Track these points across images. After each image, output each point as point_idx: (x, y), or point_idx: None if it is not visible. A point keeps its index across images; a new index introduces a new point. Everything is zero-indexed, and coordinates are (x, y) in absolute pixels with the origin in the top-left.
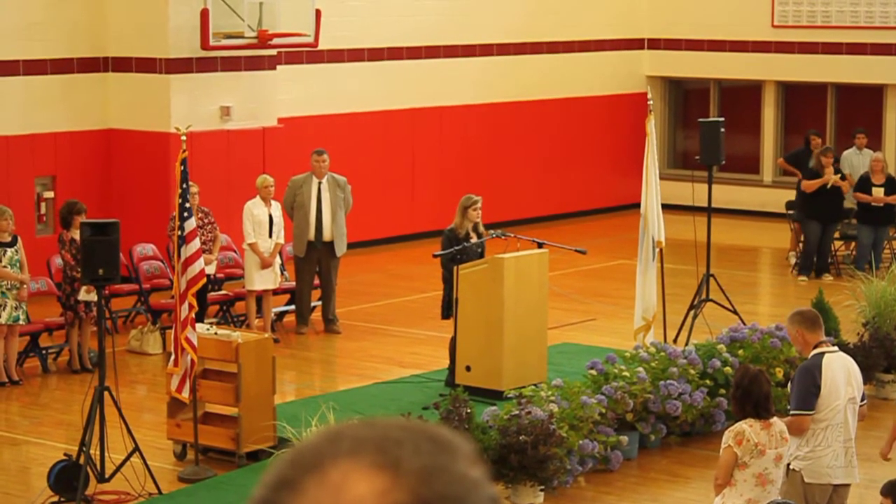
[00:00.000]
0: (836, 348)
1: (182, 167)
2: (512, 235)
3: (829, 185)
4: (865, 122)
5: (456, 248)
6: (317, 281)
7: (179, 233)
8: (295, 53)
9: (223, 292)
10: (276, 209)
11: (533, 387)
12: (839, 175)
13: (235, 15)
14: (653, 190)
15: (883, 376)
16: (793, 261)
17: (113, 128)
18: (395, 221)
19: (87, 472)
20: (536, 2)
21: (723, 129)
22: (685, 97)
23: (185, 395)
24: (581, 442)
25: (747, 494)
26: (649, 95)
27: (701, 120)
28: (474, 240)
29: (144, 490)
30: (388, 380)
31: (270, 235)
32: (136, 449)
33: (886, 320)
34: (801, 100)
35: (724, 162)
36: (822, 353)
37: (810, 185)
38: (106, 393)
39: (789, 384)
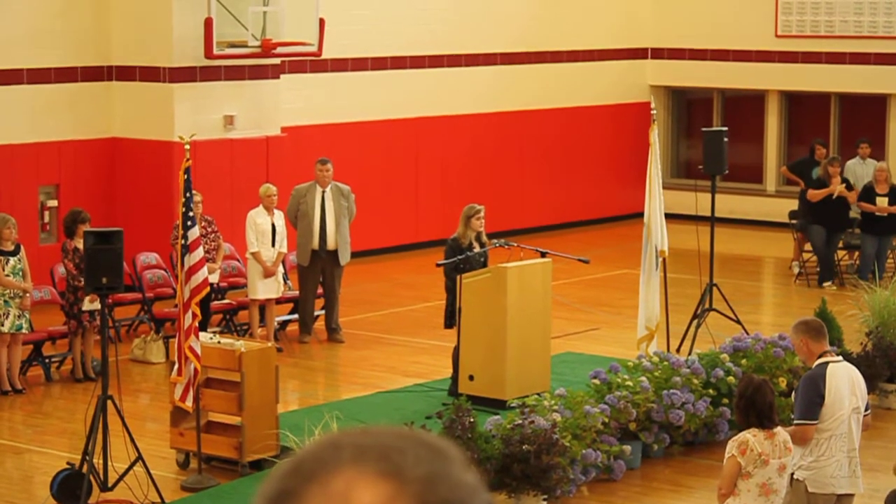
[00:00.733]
0: (840, 358)
1: (185, 176)
2: (515, 245)
3: (835, 196)
4: (869, 132)
5: (459, 257)
6: (320, 290)
7: (183, 242)
8: (298, 62)
9: (226, 301)
10: (279, 218)
11: (536, 396)
12: (845, 185)
13: (239, 24)
14: (656, 199)
15: (886, 386)
16: (796, 270)
17: (117, 137)
18: (399, 231)
19: (90, 481)
20: (540, 11)
21: (726, 139)
22: (688, 106)
23: (188, 403)
24: (584, 451)
25: None
26: (653, 105)
27: (704, 129)
28: (477, 249)
29: (147, 499)
30: (392, 389)
31: (273, 244)
32: (140, 458)
33: (890, 330)
34: (804, 109)
35: (727, 171)
36: (827, 363)
37: (816, 195)
38: (109, 402)
39: (793, 394)
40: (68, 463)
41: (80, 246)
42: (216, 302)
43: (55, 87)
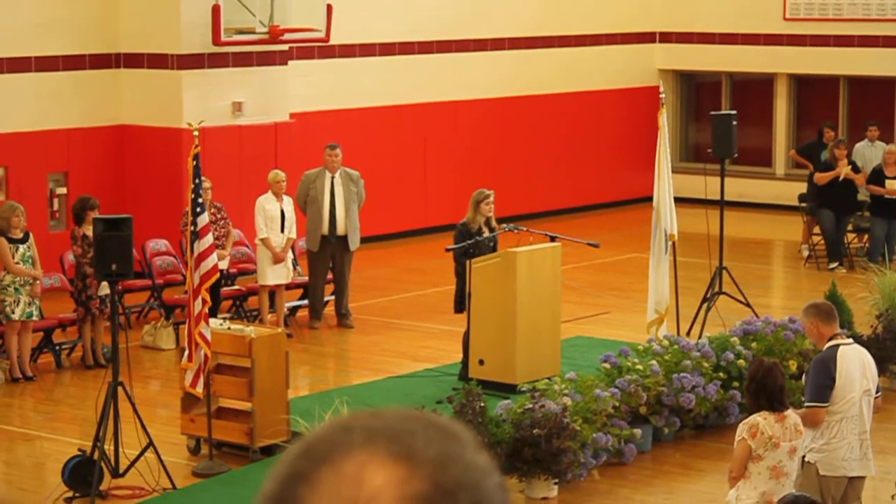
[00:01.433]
0: (850, 340)
1: (194, 162)
2: (524, 229)
3: (841, 178)
4: (878, 115)
5: (469, 242)
6: (330, 275)
7: (192, 228)
8: (306, 48)
9: (236, 287)
10: (288, 204)
11: (546, 380)
12: (851, 167)
13: (247, 10)
14: (665, 183)
15: None
16: (805, 253)
17: (125, 124)
18: (408, 216)
19: (102, 468)
20: None
21: (735, 122)
22: (697, 90)
23: (198, 390)
24: (595, 435)
25: (762, 487)
26: (661, 89)
27: (713, 113)
28: (487, 234)
29: (158, 485)
30: (402, 374)
31: (282, 230)
32: (150, 444)
33: None
34: (813, 92)
35: (736, 155)
36: (837, 346)
37: (823, 178)
38: (120, 388)
39: (804, 376)
40: (79, 449)
41: (89, 233)
42: (226, 288)
43: (63, 75)
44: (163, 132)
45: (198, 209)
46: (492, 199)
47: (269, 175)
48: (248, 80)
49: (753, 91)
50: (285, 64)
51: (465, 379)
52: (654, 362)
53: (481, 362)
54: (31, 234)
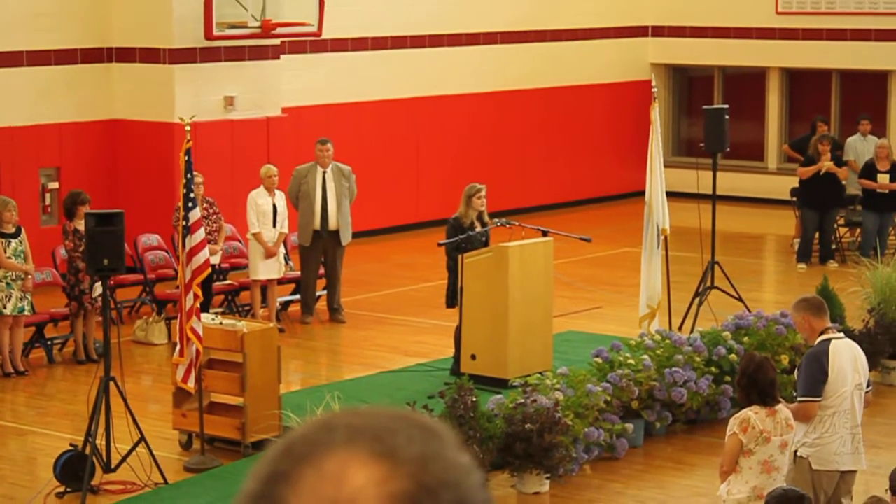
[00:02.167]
0: (842, 335)
1: (186, 157)
2: (516, 224)
3: (822, 172)
4: (870, 109)
5: (461, 236)
6: (322, 270)
7: (184, 223)
8: (299, 43)
9: (228, 282)
10: (280, 199)
11: (538, 375)
12: (834, 161)
13: (239, 5)
14: (657, 177)
15: (888, 363)
16: (797, 248)
17: (117, 118)
18: (400, 210)
19: (93, 463)
20: None
21: (727, 116)
22: (689, 84)
23: (190, 384)
24: (586, 430)
25: (753, 481)
26: (653, 83)
27: (705, 107)
28: (479, 228)
29: (150, 480)
30: (394, 369)
31: (274, 225)
32: (142, 439)
33: (892, 307)
34: (805, 86)
35: (728, 149)
36: (829, 340)
37: (805, 172)
38: (111, 383)
39: (796, 371)
40: (71, 444)
41: (81, 227)
42: (218, 283)
43: (55, 70)
44: (155, 127)
45: (190, 204)
46: (483, 193)
47: (261, 170)
48: (241, 74)
49: (746, 85)
50: (277, 58)
51: (457, 374)
52: (645, 357)
53: (473, 357)
54: (22, 229)
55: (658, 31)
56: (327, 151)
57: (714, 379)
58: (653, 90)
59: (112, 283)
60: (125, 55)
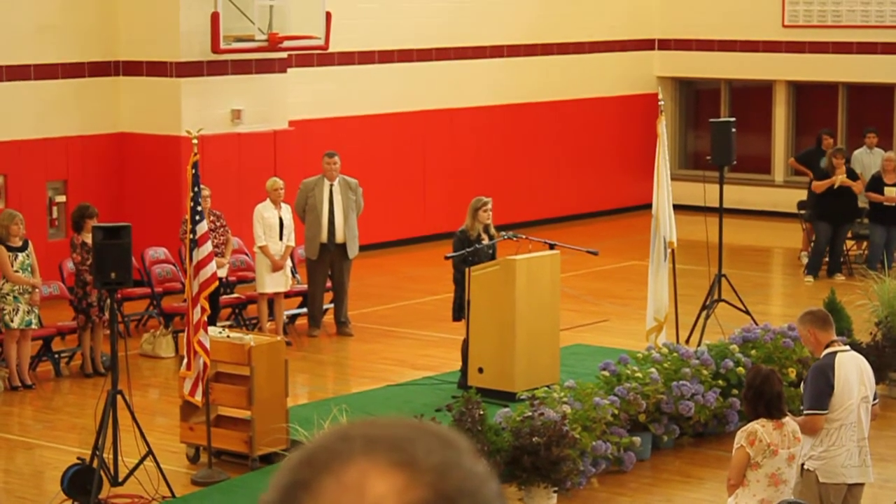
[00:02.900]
0: (847, 347)
1: (193, 170)
2: (523, 237)
3: (836, 186)
4: (876, 122)
5: (468, 249)
6: (329, 283)
7: (191, 236)
8: (306, 56)
9: (235, 295)
10: (287, 212)
11: (545, 388)
12: (849, 174)
13: (246, 18)
14: (664, 190)
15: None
16: (804, 261)
17: (124, 132)
18: (407, 224)
19: (101, 476)
20: (547, 3)
21: (734, 130)
22: (696, 97)
23: (197, 398)
24: (594, 443)
25: (760, 495)
26: (660, 96)
27: (712, 120)
28: (486, 241)
29: (158, 493)
30: (401, 382)
31: (281, 238)
32: (150, 452)
33: None
34: (811, 99)
35: (735, 162)
36: (835, 353)
37: (820, 186)
38: (119, 396)
39: (802, 384)
40: (79, 458)
41: (88, 240)
42: (225, 296)
43: (62, 83)
44: (162, 140)
45: (197, 217)
46: (490, 206)
47: (267, 183)
48: (248, 87)
49: (752, 98)
50: (284, 72)
51: (465, 387)
52: (653, 370)
53: (480, 370)
54: (30, 243)
55: (665, 45)
56: (334, 164)
57: (721, 392)
58: (659, 103)
59: (119, 296)
60: (132, 68)
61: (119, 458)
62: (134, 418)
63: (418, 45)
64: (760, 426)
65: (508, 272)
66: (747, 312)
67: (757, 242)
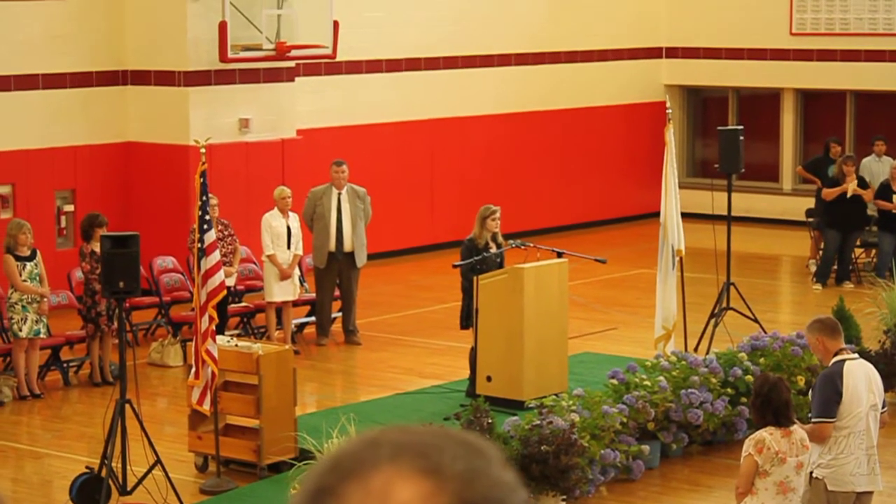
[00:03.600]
0: (856, 355)
1: (201, 179)
2: (531, 245)
3: (849, 194)
4: (884, 129)
5: (476, 258)
6: (337, 292)
7: (199, 245)
8: (313, 65)
9: (243, 304)
10: (294, 221)
11: (554, 396)
12: (859, 182)
13: (253, 27)
14: (672, 198)
15: None
16: (813, 269)
17: (132, 141)
18: (415, 232)
19: (109, 485)
20: (554, 11)
21: (742, 138)
22: (704, 105)
23: (206, 407)
24: (603, 451)
25: (769, 503)
26: (668, 104)
27: (720, 128)
28: (494, 250)
29: (166, 502)
30: (409, 391)
31: (289, 247)
32: (158, 461)
33: None
34: (819, 107)
35: (743, 170)
36: (843, 361)
37: (830, 194)
38: (127, 406)
39: (810, 392)
40: (87, 467)
41: (97, 249)
42: (233, 305)
43: (70, 92)
44: (170, 149)
45: (205, 226)
46: (498, 214)
47: (275, 191)
48: (255, 96)
49: (760, 106)
50: (292, 80)
51: (473, 395)
52: (661, 378)
53: (489, 379)
54: (38, 252)
55: (672, 53)
56: (342, 173)
57: (730, 400)
58: (667, 111)
59: (128, 305)
60: (140, 77)
61: (127, 467)
62: (142, 427)
63: (426, 54)
64: (768, 434)
65: (516, 280)
66: (756, 320)
67: (765, 250)
